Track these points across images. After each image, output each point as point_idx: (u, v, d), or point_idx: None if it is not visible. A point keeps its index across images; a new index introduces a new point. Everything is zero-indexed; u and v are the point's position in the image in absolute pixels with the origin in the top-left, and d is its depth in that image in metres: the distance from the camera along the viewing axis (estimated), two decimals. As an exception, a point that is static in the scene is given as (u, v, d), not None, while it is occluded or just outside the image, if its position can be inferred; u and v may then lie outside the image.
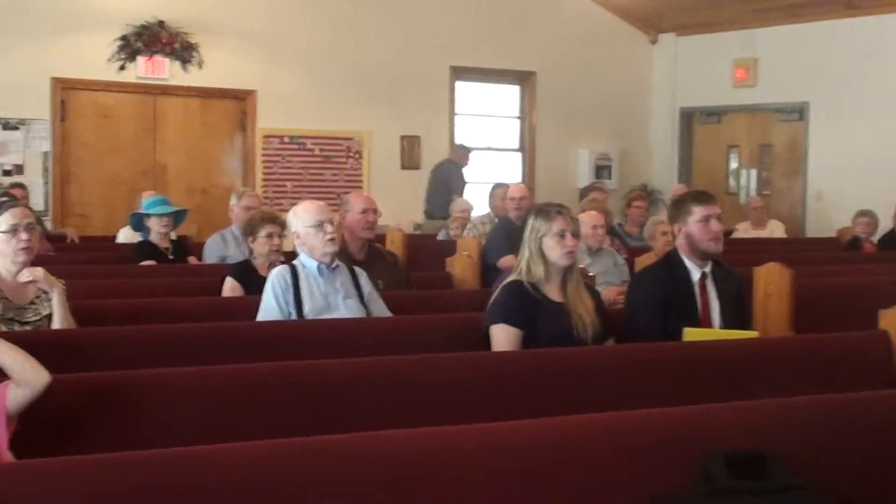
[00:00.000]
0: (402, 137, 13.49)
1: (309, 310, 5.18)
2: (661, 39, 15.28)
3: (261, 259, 6.22)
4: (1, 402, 3.11)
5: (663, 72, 15.24)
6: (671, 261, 5.19)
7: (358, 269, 5.54)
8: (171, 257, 7.62)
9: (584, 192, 11.27)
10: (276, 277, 5.24)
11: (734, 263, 5.52)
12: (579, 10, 14.55)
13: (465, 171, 13.09)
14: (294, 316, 5.15)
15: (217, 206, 11.38)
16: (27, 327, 4.63)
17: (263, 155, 12.73)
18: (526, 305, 4.73)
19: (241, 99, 12.63)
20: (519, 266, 4.86)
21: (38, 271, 4.66)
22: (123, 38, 11.83)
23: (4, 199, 5.95)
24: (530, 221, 4.86)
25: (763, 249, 9.43)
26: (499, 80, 14.53)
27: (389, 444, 2.85)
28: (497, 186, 9.85)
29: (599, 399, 3.85)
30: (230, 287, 6.08)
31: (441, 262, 7.20)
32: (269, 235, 6.22)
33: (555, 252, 4.76)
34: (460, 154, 13.30)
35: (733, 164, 15.08)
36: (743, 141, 14.88)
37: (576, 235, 4.84)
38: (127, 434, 3.50)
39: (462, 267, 6.93)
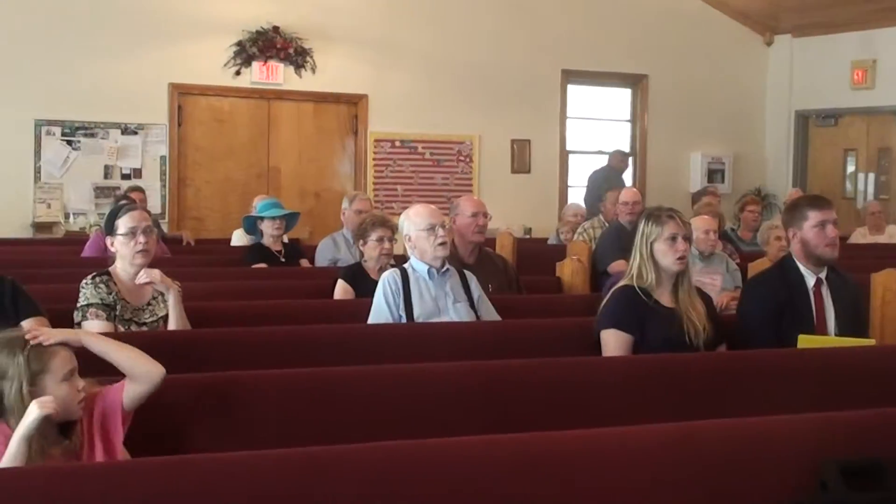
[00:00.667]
0: (513, 141, 13.47)
1: (419, 313, 5.19)
2: (777, 41, 14.98)
3: (372, 262, 6.25)
4: (118, 400, 3.17)
5: (779, 74, 14.93)
6: (785, 266, 5.09)
7: (468, 273, 5.53)
8: (282, 260, 7.70)
9: (696, 197, 11.14)
10: (387, 281, 5.27)
11: (850, 269, 5.39)
12: (692, 12, 14.36)
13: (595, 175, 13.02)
14: (404, 319, 5.16)
15: (329, 210, 11.52)
16: (144, 328, 4.73)
17: (375, 159, 12.83)
18: (637, 311, 4.68)
19: (353, 103, 12.74)
20: (630, 271, 4.81)
21: (155, 273, 4.75)
22: (239, 43, 12.03)
23: (123, 202, 6.09)
24: (641, 226, 4.81)
25: (881, 255, 9.17)
26: (610, 84, 14.40)
27: (504, 448, 2.86)
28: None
29: (711, 405, 3.81)
30: (341, 290, 6.11)
31: (551, 266, 7.17)
32: (380, 239, 6.24)
33: (666, 257, 4.70)
34: (619, 159, 13.30)
35: (850, 168, 14.73)
36: (860, 144, 14.52)
37: (687, 240, 4.78)
38: (238, 433, 3.55)
39: (572, 271, 6.89)
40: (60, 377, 3.08)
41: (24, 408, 2.97)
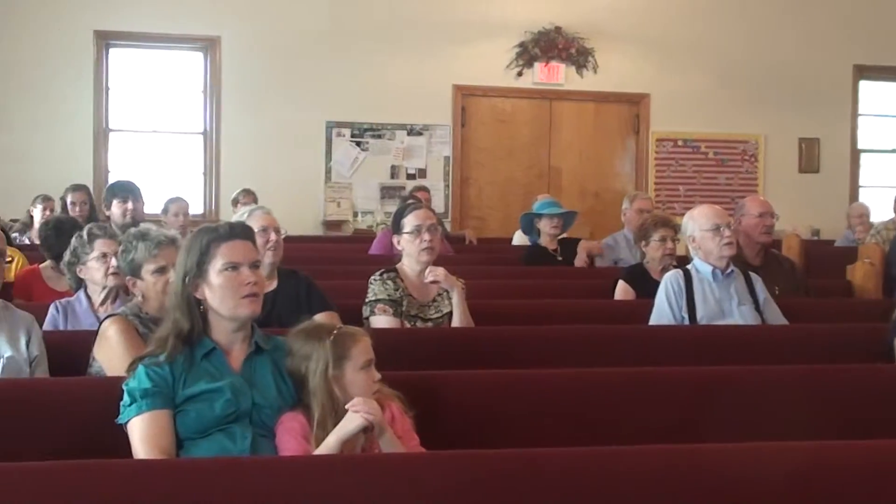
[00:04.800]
0: (801, 140, 13.02)
1: (702, 315, 5.10)
2: None
3: (654, 263, 6.18)
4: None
5: None
6: None
7: (753, 275, 5.40)
8: (559, 259, 7.69)
9: None
10: (670, 281, 5.21)
11: None
12: None
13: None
14: (687, 321, 5.08)
15: (609, 209, 11.46)
16: (429, 324, 4.84)
17: (656, 158, 12.69)
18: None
19: (634, 102, 12.64)
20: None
21: (440, 271, 4.85)
22: (521, 45, 12.17)
23: (409, 201, 6.25)
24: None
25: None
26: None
27: (781, 457, 2.77)
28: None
29: None
30: (622, 290, 6.08)
31: (840, 269, 6.89)
32: (663, 239, 6.16)
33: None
34: None
35: None
36: None
37: None
38: (522, 429, 3.57)
39: (863, 275, 6.59)
40: (360, 365, 3.22)
41: (326, 391, 3.15)
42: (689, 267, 5.29)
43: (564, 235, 7.98)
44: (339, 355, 3.20)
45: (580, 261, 7.63)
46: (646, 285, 5.91)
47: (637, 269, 6.25)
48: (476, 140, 12.31)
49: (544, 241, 7.80)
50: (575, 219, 8.17)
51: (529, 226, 7.98)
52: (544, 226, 7.78)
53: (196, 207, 10.80)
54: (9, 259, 4.38)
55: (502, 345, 4.49)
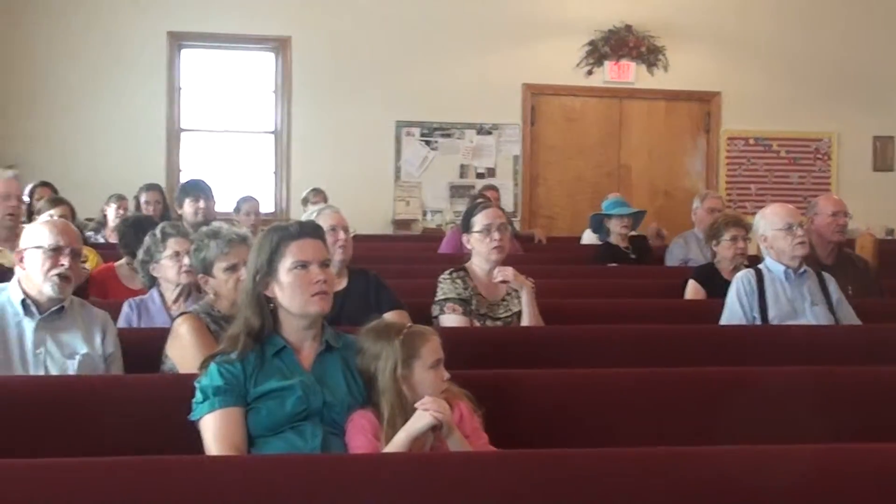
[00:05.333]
0: (875, 138, 12.82)
1: (774, 315, 5.06)
2: None
3: (725, 262, 6.12)
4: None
5: None
6: None
7: (826, 275, 5.34)
8: (633, 257, 7.67)
9: None
10: (741, 281, 5.17)
11: None
12: None
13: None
14: (758, 321, 5.04)
15: (679, 208, 11.38)
16: (498, 323, 4.84)
17: (727, 157, 12.57)
18: None
19: (705, 101, 12.53)
20: None
21: (509, 271, 4.85)
22: (591, 43, 12.12)
23: (479, 200, 6.26)
24: None
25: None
26: None
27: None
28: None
29: None
30: (692, 290, 6.04)
31: (917, 269, 6.79)
32: (734, 239, 6.11)
33: None
34: None
35: None
36: None
37: None
38: (592, 429, 3.56)
39: (940, 275, 6.49)
40: (429, 364, 3.23)
41: (395, 390, 3.16)
42: (760, 266, 5.24)
43: (633, 233, 7.96)
44: (408, 354, 3.22)
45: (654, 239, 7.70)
46: (716, 285, 5.87)
47: (708, 269, 6.21)
48: (545, 139, 12.28)
49: (614, 239, 7.78)
50: (643, 218, 8.14)
51: (599, 225, 7.99)
52: (614, 225, 7.78)
53: (267, 206, 10.91)
54: (83, 259, 4.43)
55: (572, 344, 4.47)
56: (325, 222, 4.57)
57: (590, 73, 12.16)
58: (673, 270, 7.22)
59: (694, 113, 12.61)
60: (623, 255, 7.66)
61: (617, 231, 7.77)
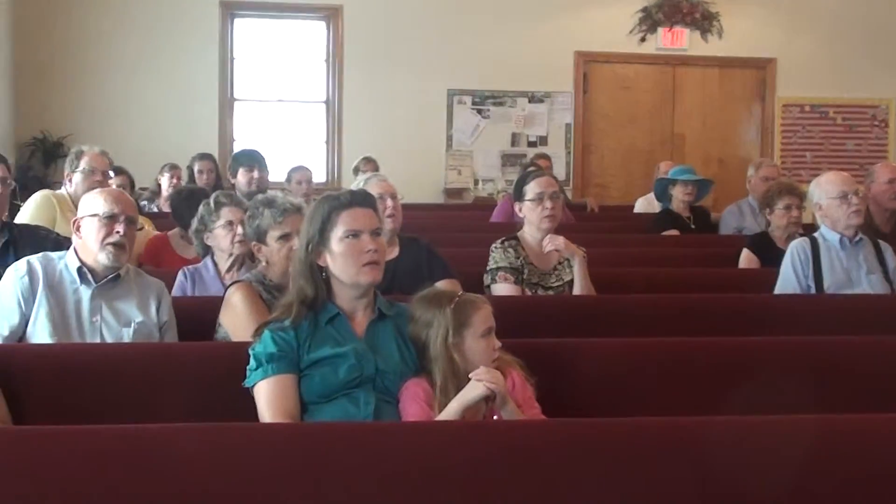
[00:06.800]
0: (933, 104, 12.65)
1: (829, 284, 5.01)
2: None
3: (779, 231, 6.06)
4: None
5: None
6: None
7: (883, 244, 5.27)
8: (693, 226, 7.59)
9: None
10: (796, 249, 5.12)
11: None
12: None
13: None
14: (813, 290, 5.00)
15: (733, 177, 11.27)
16: (550, 292, 4.84)
17: (782, 125, 12.44)
18: None
19: (760, 68, 12.40)
20: None
21: (560, 240, 4.83)
22: (644, 10, 12.03)
23: (531, 169, 6.24)
24: None
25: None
26: None
27: None
28: None
29: None
30: (746, 259, 5.98)
31: (976, 237, 6.67)
32: (788, 207, 6.04)
33: None
34: None
35: None
36: None
37: None
38: (645, 398, 3.55)
39: None
40: (480, 333, 3.23)
41: (447, 358, 3.17)
42: (815, 235, 5.19)
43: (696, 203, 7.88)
44: (459, 322, 3.22)
45: None
46: (770, 254, 5.82)
47: (762, 238, 6.15)
48: (598, 107, 12.22)
49: (676, 207, 7.67)
50: (709, 189, 8.01)
51: (663, 191, 7.86)
52: (678, 192, 7.65)
53: (319, 175, 10.92)
54: (139, 227, 4.47)
55: (624, 313, 4.47)
56: (372, 190, 4.54)
57: (643, 39, 12.07)
58: (727, 239, 7.16)
59: (748, 80, 12.48)
60: (683, 224, 7.56)
61: (680, 198, 7.65)
